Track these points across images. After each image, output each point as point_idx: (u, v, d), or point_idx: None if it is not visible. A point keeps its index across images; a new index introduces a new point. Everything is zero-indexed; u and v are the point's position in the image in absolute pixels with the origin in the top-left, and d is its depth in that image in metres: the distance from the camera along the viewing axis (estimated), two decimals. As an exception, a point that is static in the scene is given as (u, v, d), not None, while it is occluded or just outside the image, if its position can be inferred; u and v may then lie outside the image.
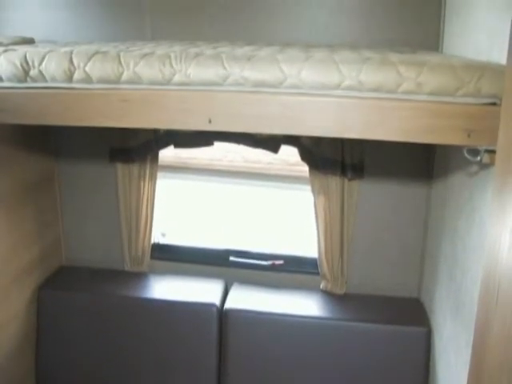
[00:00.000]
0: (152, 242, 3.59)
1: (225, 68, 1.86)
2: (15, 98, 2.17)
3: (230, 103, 1.89)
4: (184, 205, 3.79)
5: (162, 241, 3.78)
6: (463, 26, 2.45)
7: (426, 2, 2.87)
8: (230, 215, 3.70)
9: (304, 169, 3.18)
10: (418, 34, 2.91)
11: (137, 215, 3.43)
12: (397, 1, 2.90)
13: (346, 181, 3.10)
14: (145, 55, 1.99)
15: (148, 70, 1.95)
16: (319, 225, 3.23)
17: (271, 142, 3.06)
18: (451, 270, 2.59)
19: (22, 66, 2.12)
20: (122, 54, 2.02)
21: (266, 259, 3.51)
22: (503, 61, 1.64)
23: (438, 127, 1.80)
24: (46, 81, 2.11)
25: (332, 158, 3.03)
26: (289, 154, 3.20)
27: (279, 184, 3.47)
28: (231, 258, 3.56)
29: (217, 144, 3.18)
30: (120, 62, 1.99)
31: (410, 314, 3.18)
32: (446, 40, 2.78)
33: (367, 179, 3.12)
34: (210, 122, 1.89)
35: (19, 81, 2.15)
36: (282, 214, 3.61)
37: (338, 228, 3.19)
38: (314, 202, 3.20)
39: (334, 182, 3.11)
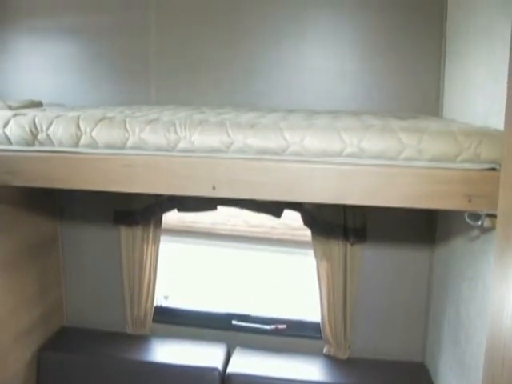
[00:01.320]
0: (154, 304, 3.56)
1: (229, 135, 1.90)
2: (23, 162, 2.23)
3: (234, 170, 1.92)
4: (187, 268, 3.78)
5: (165, 304, 3.75)
6: (462, 92, 2.51)
7: (425, 68, 2.94)
8: (233, 279, 3.68)
9: (307, 233, 3.18)
10: (418, 99, 2.97)
11: (139, 278, 3.42)
12: (398, 67, 2.98)
13: (348, 245, 3.09)
14: (150, 121, 2.04)
15: (153, 137, 1.99)
16: (322, 289, 3.20)
17: (274, 207, 3.07)
18: (456, 335, 2.55)
19: (30, 130, 2.18)
20: (127, 120, 2.07)
21: (268, 323, 3.46)
22: (501, 126, 1.68)
23: (439, 193, 1.82)
24: (54, 145, 2.17)
25: (334, 223, 3.03)
26: (291, 218, 3.22)
27: (282, 248, 3.47)
28: (233, 322, 3.51)
29: (220, 208, 3.21)
30: (126, 128, 2.04)
31: (415, 379, 3.10)
32: (446, 104, 2.84)
33: (370, 243, 3.12)
34: (213, 188, 1.93)
35: (28, 144, 2.21)
36: (284, 278, 3.59)
37: (340, 292, 3.16)
38: (317, 267, 3.18)
39: (337, 246, 3.10)
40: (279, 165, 1.88)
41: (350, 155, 1.84)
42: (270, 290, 3.62)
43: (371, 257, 3.18)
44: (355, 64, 3.04)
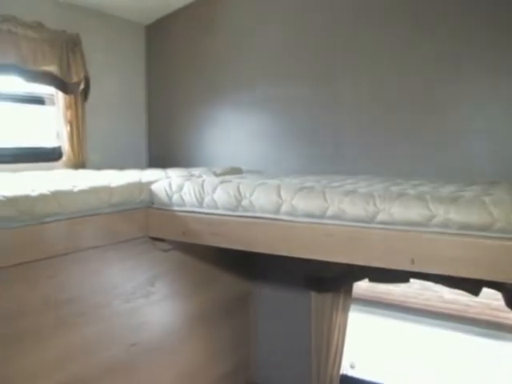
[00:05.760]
0: (340, 372, 3.52)
1: (429, 209, 1.86)
2: (228, 225, 2.42)
3: (435, 245, 1.85)
4: (374, 338, 3.69)
5: (351, 373, 3.69)
6: None
7: None
8: (422, 355, 3.49)
9: (509, 316, 2.94)
10: None
11: (327, 344, 3.41)
12: None
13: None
14: (349, 193, 2.08)
15: (352, 208, 2.02)
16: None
17: (472, 284, 2.88)
18: None
19: (235, 196, 2.37)
20: (326, 191, 2.14)
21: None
22: None
23: None
24: (256, 211, 2.32)
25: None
26: (490, 297, 2.99)
27: (477, 329, 3.20)
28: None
29: (413, 280, 3.09)
30: (325, 199, 2.11)
31: None
32: None
33: None
34: (412, 262, 1.87)
35: (232, 209, 2.40)
36: (480, 361, 3.29)
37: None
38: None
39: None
40: (484, 241, 1.77)
41: None
42: (462, 372, 3.36)
43: None
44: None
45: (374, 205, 1.97)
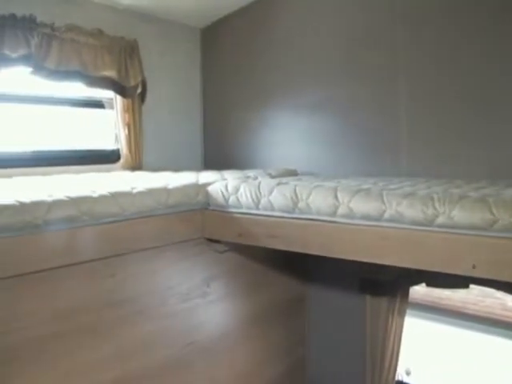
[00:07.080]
0: (396, 379, 3.45)
1: (492, 213, 1.78)
2: (284, 227, 2.41)
3: (498, 250, 1.77)
4: (432, 344, 3.60)
5: (406, 379, 3.63)
6: None
7: None
8: (481, 365, 3.38)
9: None
10: None
11: (382, 349, 3.35)
12: None
13: None
14: (407, 195, 2.04)
15: (410, 210, 1.98)
16: None
17: (538, 292, 2.79)
18: None
19: (291, 198, 2.37)
20: (384, 193, 2.10)
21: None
22: None
23: None
24: (312, 213, 2.31)
25: None
26: None
27: None
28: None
29: (472, 286, 3.00)
30: (383, 201, 2.07)
31: None
32: None
33: None
34: (474, 267, 1.80)
35: (288, 211, 2.39)
36: None
37: None
38: None
39: None
40: (549, 247, 1.70)
41: None
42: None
43: None
44: None
45: (434, 207, 1.92)
